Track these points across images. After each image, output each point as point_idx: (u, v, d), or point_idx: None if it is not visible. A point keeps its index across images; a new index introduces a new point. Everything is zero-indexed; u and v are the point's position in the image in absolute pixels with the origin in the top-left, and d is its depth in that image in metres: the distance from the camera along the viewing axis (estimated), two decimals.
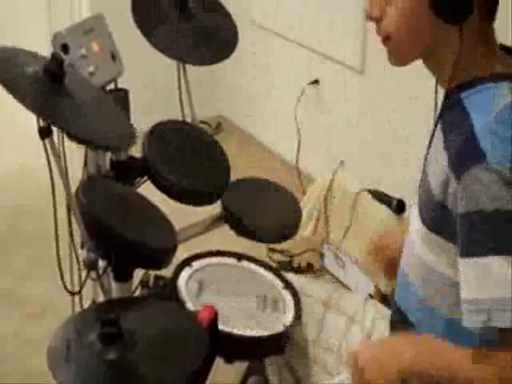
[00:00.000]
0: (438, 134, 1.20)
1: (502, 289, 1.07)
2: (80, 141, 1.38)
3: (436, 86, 1.28)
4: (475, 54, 1.18)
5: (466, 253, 1.11)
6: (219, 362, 1.45)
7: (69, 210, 1.57)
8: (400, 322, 1.38)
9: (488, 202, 1.06)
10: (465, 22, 1.12)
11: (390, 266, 1.51)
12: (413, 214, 1.31)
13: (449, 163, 1.12)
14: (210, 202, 1.83)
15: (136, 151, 1.75)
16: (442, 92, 1.29)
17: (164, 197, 1.77)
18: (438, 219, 1.18)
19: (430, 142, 1.25)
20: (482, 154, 1.07)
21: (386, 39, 1.23)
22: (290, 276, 1.66)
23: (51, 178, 1.49)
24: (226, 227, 1.84)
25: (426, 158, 1.26)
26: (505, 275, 1.07)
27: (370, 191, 2.70)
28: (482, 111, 1.12)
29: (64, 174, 1.46)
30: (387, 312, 1.52)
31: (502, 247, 1.07)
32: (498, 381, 1.10)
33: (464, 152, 1.10)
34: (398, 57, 1.24)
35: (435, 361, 1.17)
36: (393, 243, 1.53)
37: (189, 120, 1.99)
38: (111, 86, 1.79)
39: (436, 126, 1.23)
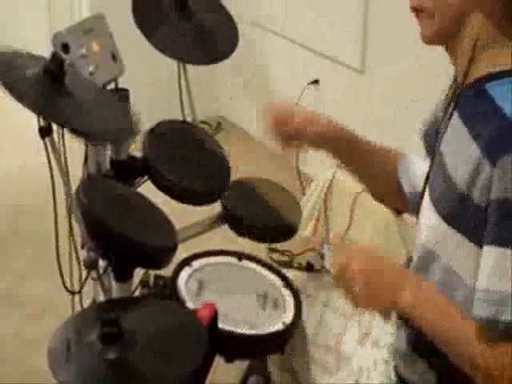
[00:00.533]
0: (458, 125, 1.20)
1: None
2: (80, 134, 1.38)
3: (454, 80, 1.27)
4: (501, 41, 1.16)
5: (495, 241, 1.09)
6: (219, 361, 1.45)
7: (69, 209, 1.57)
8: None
9: None
10: None
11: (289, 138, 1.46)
12: (424, 206, 1.30)
13: (482, 151, 1.10)
14: (210, 201, 1.83)
15: (136, 151, 1.75)
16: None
17: (164, 196, 1.77)
18: (458, 211, 1.16)
19: (442, 135, 1.24)
20: None
21: (419, 11, 1.20)
22: (291, 273, 1.66)
23: (51, 177, 1.50)
24: (226, 227, 1.84)
25: (438, 150, 1.26)
26: None
27: None
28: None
29: (64, 174, 1.46)
30: None
31: None
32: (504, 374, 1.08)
33: (500, 140, 1.09)
34: (430, 30, 1.20)
35: (437, 316, 1.15)
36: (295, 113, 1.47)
37: (189, 120, 2.00)
38: (111, 86, 1.80)
39: (450, 116, 1.22)
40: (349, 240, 2.74)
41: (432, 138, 1.34)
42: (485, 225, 1.11)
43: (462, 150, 1.16)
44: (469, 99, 1.19)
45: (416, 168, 1.41)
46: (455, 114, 1.21)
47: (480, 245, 1.13)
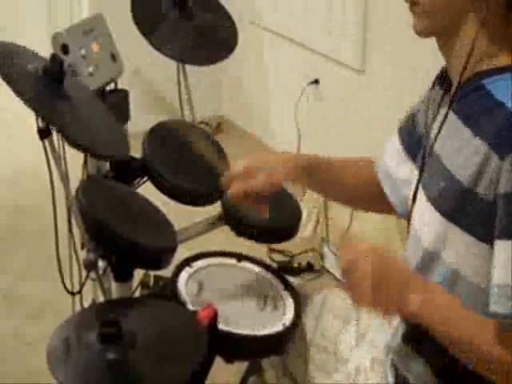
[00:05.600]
0: (455, 124, 1.19)
1: None
2: (75, 146, 1.38)
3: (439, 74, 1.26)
4: (497, 39, 1.17)
5: (505, 234, 1.08)
6: (219, 361, 1.45)
7: (69, 210, 1.57)
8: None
9: None
10: None
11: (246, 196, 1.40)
12: (419, 210, 1.30)
13: (490, 145, 1.10)
14: (210, 201, 1.83)
15: (136, 151, 1.75)
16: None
17: (164, 197, 1.77)
18: (462, 208, 1.16)
19: (438, 133, 1.24)
20: None
21: (413, 4, 1.20)
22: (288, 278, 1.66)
23: (51, 177, 1.50)
24: (226, 227, 1.84)
25: (430, 151, 1.26)
26: None
27: None
28: None
29: (64, 175, 1.46)
30: None
31: None
32: None
33: (508, 134, 1.09)
34: (423, 25, 1.20)
35: (448, 318, 1.14)
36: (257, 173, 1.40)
37: (189, 120, 2.00)
38: (111, 87, 1.80)
39: (446, 116, 1.22)
40: (348, 240, 2.74)
41: (412, 137, 1.34)
42: (491, 219, 1.11)
43: (463, 147, 1.15)
44: (466, 96, 1.19)
45: (395, 169, 1.41)
46: (450, 113, 1.21)
47: (485, 241, 1.13)
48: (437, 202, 1.22)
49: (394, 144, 1.43)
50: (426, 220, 1.25)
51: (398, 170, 1.41)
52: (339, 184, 1.52)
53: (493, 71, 1.17)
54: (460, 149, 1.17)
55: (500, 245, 1.09)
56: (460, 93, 1.21)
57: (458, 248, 1.19)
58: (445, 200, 1.20)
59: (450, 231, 1.19)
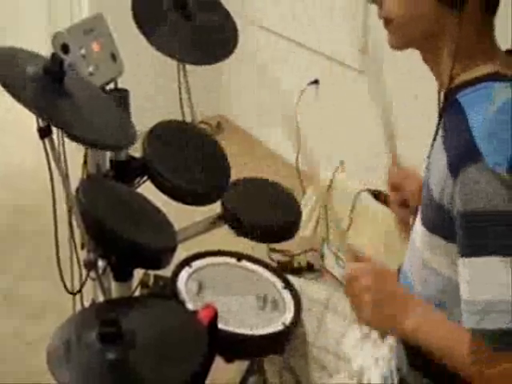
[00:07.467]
0: (439, 138, 1.20)
1: (494, 291, 1.07)
2: (80, 140, 1.38)
3: (439, 89, 1.27)
4: (475, 50, 1.17)
5: (463, 253, 1.11)
6: (219, 361, 1.45)
7: (69, 209, 1.57)
8: None
9: (484, 201, 1.06)
10: (463, 7, 1.12)
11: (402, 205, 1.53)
12: (418, 215, 1.30)
13: (447, 163, 1.12)
14: (210, 201, 1.83)
15: (136, 151, 1.75)
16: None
17: (164, 197, 1.77)
18: (438, 220, 1.18)
19: (433, 144, 1.25)
20: (479, 153, 1.07)
21: (387, 22, 1.23)
22: (290, 278, 1.66)
23: (51, 177, 1.50)
24: (226, 227, 1.84)
25: (428, 158, 1.26)
26: (498, 277, 1.06)
27: (370, 191, 2.71)
28: (478, 110, 1.11)
29: (64, 174, 1.46)
30: None
31: (497, 248, 1.06)
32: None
33: (461, 152, 1.09)
34: (398, 40, 1.24)
35: (438, 341, 1.16)
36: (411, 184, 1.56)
37: (189, 120, 2.00)
38: (111, 86, 1.80)
39: (438, 127, 1.22)
40: (348, 241, 2.74)
41: None
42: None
43: (437, 160, 1.17)
44: (445, 110, 1.20)
45: None
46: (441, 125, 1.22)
47: None
48: (422, 213, 1.23)
49: None
50: (417, 227, 1.26)
51: None
52: None
53: (467, 83, 1.17)
54: (436, 162, 1.18)
55: (461, 262, 1.12)
56: (445, 104, 1.21)
57: (443, 254, 1.20)
58: (425, 211, 1.22)
59: (432, 239, 1.20)
